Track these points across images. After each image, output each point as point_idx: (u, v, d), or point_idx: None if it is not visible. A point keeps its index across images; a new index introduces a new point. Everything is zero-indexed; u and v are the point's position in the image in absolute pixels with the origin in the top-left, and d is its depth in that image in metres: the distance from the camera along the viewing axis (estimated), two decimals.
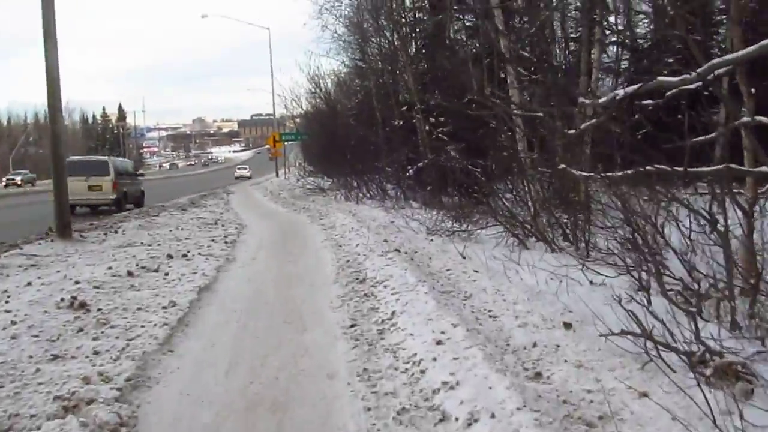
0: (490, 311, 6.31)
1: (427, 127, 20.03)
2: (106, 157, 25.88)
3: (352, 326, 6.13)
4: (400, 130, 23.87)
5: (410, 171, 20.18)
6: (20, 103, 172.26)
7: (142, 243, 11.45)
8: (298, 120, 41.74)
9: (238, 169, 76.17)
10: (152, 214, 17.20)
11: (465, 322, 5.71)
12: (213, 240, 11.86)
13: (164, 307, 6.56)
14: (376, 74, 27.67)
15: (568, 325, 5.73)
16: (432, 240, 11.05)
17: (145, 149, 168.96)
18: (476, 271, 8.16)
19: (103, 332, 5.64)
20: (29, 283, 7.50)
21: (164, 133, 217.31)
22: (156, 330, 5.76)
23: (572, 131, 5.65)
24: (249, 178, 62.87)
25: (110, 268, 8.57)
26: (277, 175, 49.81)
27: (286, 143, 47.64)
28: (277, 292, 7.79)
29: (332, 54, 36.18)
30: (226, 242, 11.69)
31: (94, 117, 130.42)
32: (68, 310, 6.29)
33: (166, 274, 8.39)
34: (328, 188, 25.60)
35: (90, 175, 21.21)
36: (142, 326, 5.88)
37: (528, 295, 6.82)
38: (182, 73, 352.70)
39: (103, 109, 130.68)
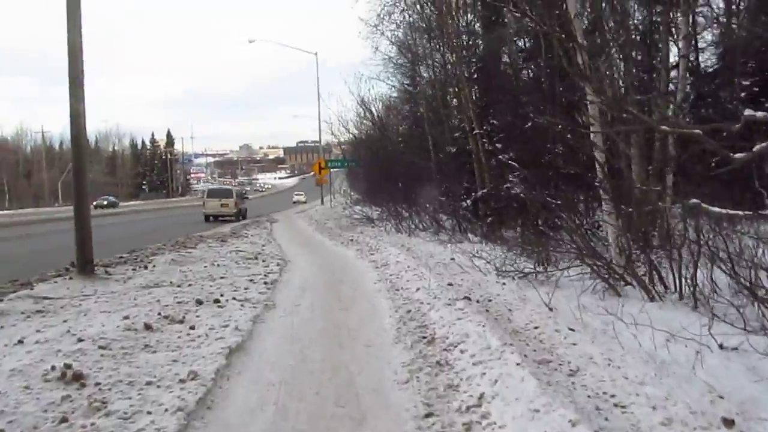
0: (612, 396, 4.68)
1: (483, 154, 18.48)
2: (231, 187, 44.29)
3: (427, 416, 4.56)
4: (453, 157, 22.38)
5: (467, 201, 18.61)
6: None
7: (171, 282, 10.06)
8: (344, 147, 40.57)
9: (296, 195, 78.37)
10: (189, 246, 15.90)
11: (586, 416, 4.12)
12: (251, 279, 10.43)
13: (182, 380, 5.06)
14: (428, 98, 26.32)
15: (729, 423, 4.12)
16: (504, 284, 9.43)
17: (192, 175, 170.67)
18: (572, 330, 6.53)
19: (93, 424, 4.16)
20: (21, 341, 6.07)
21: (211, 159, 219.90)
22: (166, 420, 4.27)
23: (740, 155, 4.01)
24: (304, 202, 64.49)
25: (126, 317, 7.14)
26: (322, 202, 48.65)
27: (332, 170, 46.54)
28: (326, 356, 6.24)
29: (382, 77, 35.03)
30: (266, 282, 10.24)
31: (143, 143, 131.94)
32: (57, 385, 4.83)
33: (192, 328, 6.92)
34: (377, 218, 24.11)
35: (221, 197, 35.01)
36: (149, 412, 4.39)
37: (653, 369, 5.17)
38: (230, 100, 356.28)
39: (152, 135, 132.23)
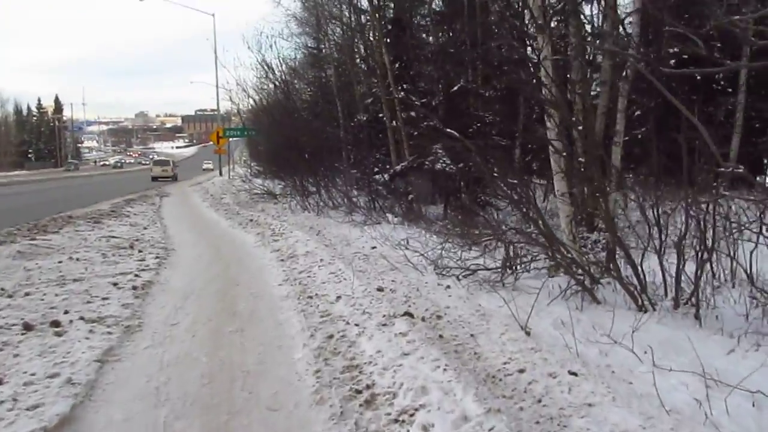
0: None
1: (401, 123, 16.26)
2: (169, 159, 57.20)
3: None
4: (365, 126, 20.12)
5: (383, 176, 16.41)
6: None
7: (1, 290, 7.41)
8: (244, 116, 37.63)
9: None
10: (50, 230, 12.98)
11: None
12: (116, 283, 7.86)
13: None
14: (336, 61, 23.91)
15: None
16: (449, 287, 7.29)
17: (83, 144, 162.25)
18: (573, 374, 4.43)
19: None
20: None
21: (105, 127, 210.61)
22: None
23: None
24: (173, 179, 56.99)
25: None
26: (220, 173, 45.59)
27: (231, 139, 43.44)
28: None
29: (285, 34, 32.03)
30: (135, 287, 7.70)
31: (28, 109, 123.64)
32: None
33: None
34: (280, 193, 21.58)
35: (163, 165, 49.91)
36: None
37: None
38: (125, 68, 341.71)
39: (39, 100, 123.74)
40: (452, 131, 9.74)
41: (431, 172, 14.55)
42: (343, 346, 5.33)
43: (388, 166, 18.56)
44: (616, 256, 6.76)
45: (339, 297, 6.93)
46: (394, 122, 17.45)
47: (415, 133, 15.45)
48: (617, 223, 8.48)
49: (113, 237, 12.08)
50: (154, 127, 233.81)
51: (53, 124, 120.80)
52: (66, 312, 6.39)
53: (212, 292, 7.92)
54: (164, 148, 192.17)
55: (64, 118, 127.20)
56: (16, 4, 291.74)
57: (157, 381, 4.80)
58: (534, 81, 9.35)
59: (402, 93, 16.12)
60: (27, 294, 7.19)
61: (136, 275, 8.45)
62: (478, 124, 14.95)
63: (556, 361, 4.68)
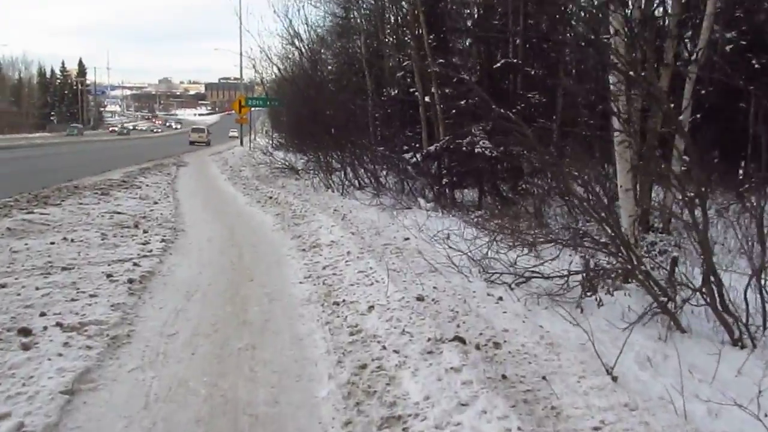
0: None
1: (438, 99, 14.95)
2: (204, 126, 65.81)
3: None
4: (395, 101, 18.82)
5: (415, 156, 15.14)
6: None
7: None
8: (268, 85, 36.39)
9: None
10: (51, 202, 11.88)
11: None
12: (110, 274, 6.72)
13: None
14: (366, 31, 22.53)
15: None
16: (501, 299, 6.09)
17: (106, 108, 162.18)
18: None
19: None
20: None
21: (128, 92, 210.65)
22: None
23: None
24: (207, 144, 56.15)
25: None
26: (241, 143, 44.54)
27: (254, 109, 42.33)
28: None
29: (313, 1, 30.51)
30: (131, 281, 6.55)
31: (52, 72, 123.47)
32: None
33: None
34: (302, 169, 20.36)
35: (199, 132, 59.70)
36: None
37: None
38: (150, 33, 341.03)
39: (63, 63, 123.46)
40: (506, 112, 8.46)
41: (468, 154, 13.29)
42: (380, 383, 4.16)
43: (418, 145, 17.34)
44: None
45: (371, 306, 5.75)
46: (426, 98, 16.18)
47: (453, 111, 14.14)
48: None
49: (118, 213, 10.96)
50: (178, 93, 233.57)
51: (76, 87, 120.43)
52: (42, 314, 5.27)
53: (221, 288, 6.76)
54: (186, 115, 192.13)
55: (88, 81, 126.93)
56: None
57: (139, 427, 3.66)
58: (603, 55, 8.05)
59: (439, 67, 14.81)
60: (2, 286, 6.07)
61: (136, 264, 7.30)
62: (522, 105, 13.62)
63: (661, 428, 3.50)
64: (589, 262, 6.15)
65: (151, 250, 8.16)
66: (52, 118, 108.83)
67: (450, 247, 7.57)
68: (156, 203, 13.05)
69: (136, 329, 5.28)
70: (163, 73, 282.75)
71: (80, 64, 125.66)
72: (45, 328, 4.94)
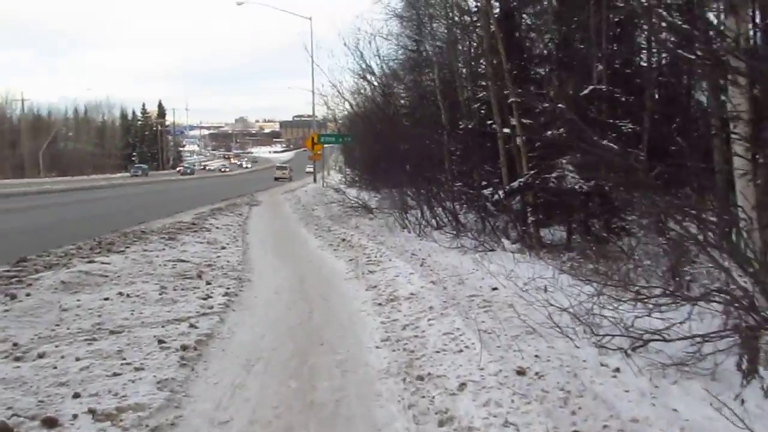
0: None
1: (520, 131, 13.91)
2: (286, 164, 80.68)
3: None
4: (471, 134, 17.82)
5: (498, 193, 14.10)
6: (68, 99, 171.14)
7: (13, 345, 5.62)
8: (340, 122, 36.10)
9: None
10: (117, 247, 11.36)
11: None
12: (163, 340, 5.92)
13: None
14: (438, 64, 21.73)
15: None
16: (618, 370, 5.01)
17: (184, 148, 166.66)
18: None
19: None
20: None
21: (206, 132, 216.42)
22: None
23: None
24: (289, 179, 64.21)
25: None
26: (314, 180, 44.34)
27: (327, 146, 42.14)
28: None
29: (384, 34, 29.92)
30: (184, 347, 5.72)
31: (134, 114, 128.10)
32: None
33: None
34: (376, 207, 19.53)
35: (283, 169, 70.03)
36: None
37: None
38: (226, 74, 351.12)
39: (143, 105, 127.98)
40: (610, 144, 7.44)
41: (556, 190, 12.21)
42: None
43: (497, 180, 16.32)
44: None
45: (463, 384, 4.76)
46: (506, 130, 15.20)
47: (538, 143, 13.09)
48: None
49: (182, 261, 10.28)
50: (253, 131, 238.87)
51: (156, 128, 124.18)
52: (76, 395, 4.48)
53: (286, 356, 5.86)
54: (262, 152, 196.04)
55: (167, 122, 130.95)
56: (121, 15, 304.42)
57: None
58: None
59: (521, 96, 13.82)
60: (41, 356, 5.34)
61: (193, 325, 6.49)
62: (614, 134, 12.47)
63: None
64: (740, 326, 4.95)
65: (211, 307, 7.37)
66: (133, 158, 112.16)
67: (551, 304, 6.50)
68: (224, 248, 12.38)
69: (184, 414, 4.41)
70: (239, 112, 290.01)
71: (160, 105, 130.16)
72: (75, 416, 4.14)
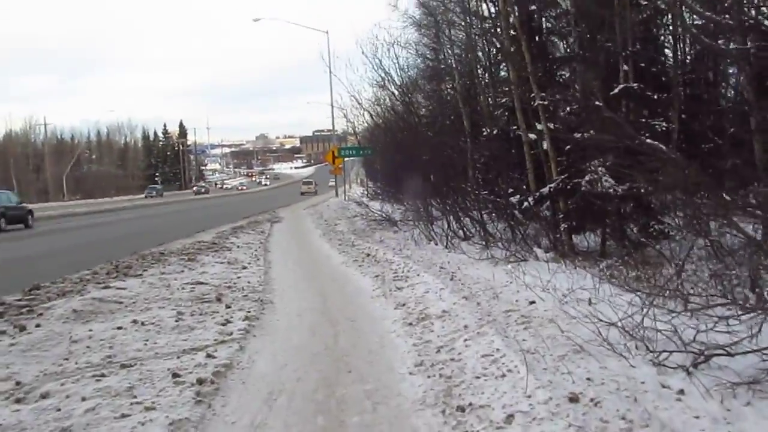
0: None
1: (547, 134, 13.35)
2: (312, 178, 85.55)
3: None
4: (495, 140, 17.26)
5: (527, 200, 13.52)
6: (91, 121, 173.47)
7: (16, 384, 5.18)
8: (359, 135, 35.66)
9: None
10: (134, 271, 10.95)
11: None
12: (178, 374, 5.44)
13: None
14: (458, 73, 21.23)
15: None
16: (682, 392, 4.46)
17: (206, 166, 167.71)
18: None
19: None
20: None
21: (227, 150, 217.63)
22: None
23: None
24: (315, 193, 67.96)
25: None
26: (336, 194, 43.95)
27: (348, 159, 41.82)
28: None
29: (402, 43, 29.35)
30: (201, 382, 5.25)
31: (155, 134, 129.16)
32: None
33: None
34: (400, 219, 18.99)
35: (309, 184, 74.94)
36: None
37: None
38: (246, 91, 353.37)
39: (164, 126, 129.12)
40: (653, 141, 6.88)
41: (588, 194, 11.64)
42: None
43: (523, 187, 15.77)
44: None
45: (510, 416, 4.24)
46: (531, 135, 14.67)
47: (568, 147, 12.53)
48: None
49: (201, 283, 9.83)
50: (274, 148, 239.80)
51: (177, 148, 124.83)
52: None
53: (312, 386, 5.35)
54: (283, 168, 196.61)
55: (189, 142, 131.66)
56: (140, 35, 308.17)
57: None
58: None
59: (546, 100, 13.28)
60: (44, 396, 4.88)
61: (210, 355, 6.01)
62: (646, 134, 11.88)
63: None
64: None
65: (231, 333, 6.89)
66: (156, 179, 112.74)
67: (599, 319, 5.92)
68: (245, 268, 11.93)
69: None
70: (259, 129, 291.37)
71: (181, 125, 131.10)
72: None
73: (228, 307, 8.22)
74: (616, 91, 12.34)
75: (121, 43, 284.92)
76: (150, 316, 7.52)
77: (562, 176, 12.37)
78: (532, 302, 7.61)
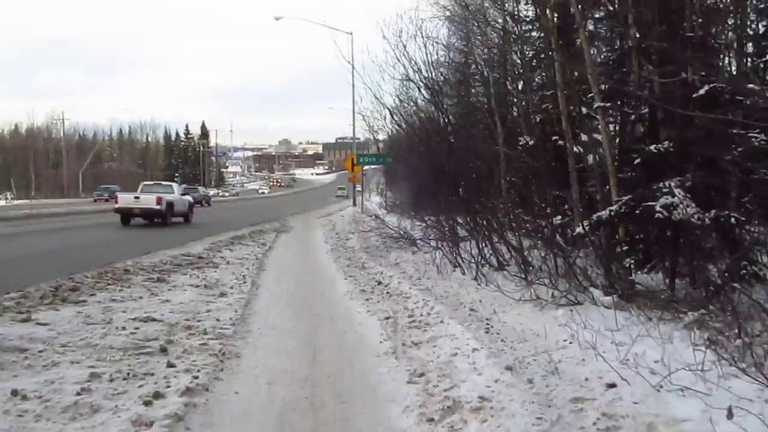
0: None
1: (608, 144, 10.79)
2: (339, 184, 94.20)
3: None
4: (535, 151, 14.72)
5: (581, 225, 10.94)
6: (117, 119, 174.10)
7: None
8: (380, 143, 33.46)
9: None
10: (74, 296, 8.40)
11: None
12: None
13: None
14: (490, 78, 18.83)
15: None
16: None
17: (227, 169, 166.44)
18: None
19: None
20: None
21: (249, 154, 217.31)
22: None
23: None
24: (346, 197, 66.23)
25: None
26: (354, 203, 41.70)
27: (369, 168, 39.69)
28: None
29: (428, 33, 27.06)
30: None
31: (177, 134, 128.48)
32: None
33: None
34: (421, 238, 16.41)
35: (342, 188, 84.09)
36: None
37: None
38: (271, 96, 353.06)
39: (186, 126, 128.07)
40: None
41: (660, 221, 9.09)
42: None
43: (565, 207, 13.30)
44: None
45: None
46: (577, 149, 12.25)
47: (636, 160, 9.98)
48: None
49: (152, 320, 7.34)
50: (296, 153, 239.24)
51: (199, 149, 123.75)
52: None
53: None
54: (304, 174, 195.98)
55: (210, 144, 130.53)
56: (168, 35, 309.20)
57: None
58: None
59: (609, 102, 10.78)
60: None
61: None
62: (739, 150, 9.31)
63: None
64: None
65: (151, 424, 4.41)
66: (176, 179, 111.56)
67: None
68: (223, 295, 9.46)
69: None
70: (282, 134, 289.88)
71: (203, 126, 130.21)
72: None
73: (170, 366, 5.70)
74: (702, 92, 9.71)
75: (149, 43, 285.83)
76: (46, 381, 5.04)
77: (626, 197, 9.78)
78: (612, 386, 5.09)
